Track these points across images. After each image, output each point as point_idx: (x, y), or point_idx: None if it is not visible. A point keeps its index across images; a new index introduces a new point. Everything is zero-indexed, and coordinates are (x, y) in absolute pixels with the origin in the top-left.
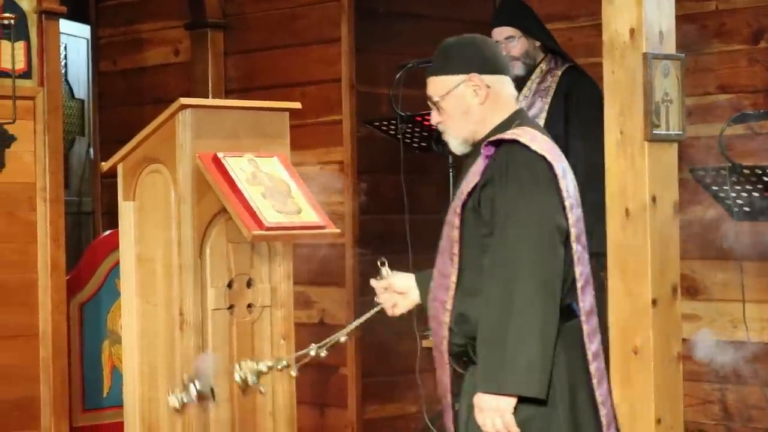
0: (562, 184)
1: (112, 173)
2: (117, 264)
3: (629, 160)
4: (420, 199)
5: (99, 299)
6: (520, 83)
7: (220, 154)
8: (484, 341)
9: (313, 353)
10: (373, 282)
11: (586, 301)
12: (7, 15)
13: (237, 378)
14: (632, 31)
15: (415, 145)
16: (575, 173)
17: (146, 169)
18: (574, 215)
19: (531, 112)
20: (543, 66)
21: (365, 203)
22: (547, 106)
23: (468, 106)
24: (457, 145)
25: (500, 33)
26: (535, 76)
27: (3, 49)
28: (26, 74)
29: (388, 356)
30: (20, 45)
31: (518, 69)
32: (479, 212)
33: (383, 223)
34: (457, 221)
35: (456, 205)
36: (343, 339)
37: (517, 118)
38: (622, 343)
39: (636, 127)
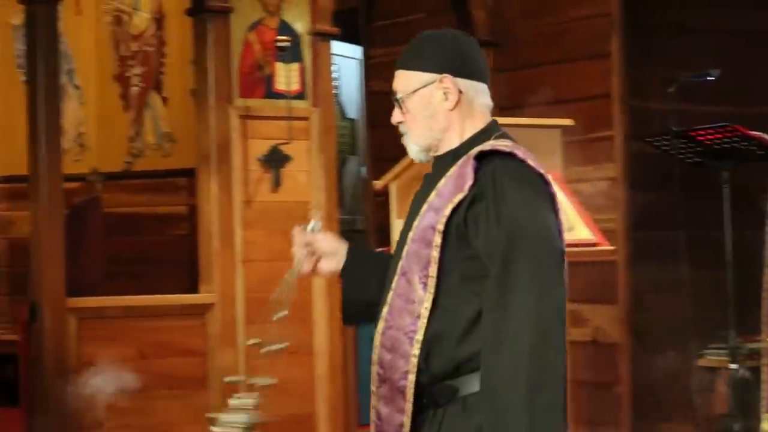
0: (558, 205)
1: (384, 191)
2: None
3: None
4: (695, 215)
5: None
6: None
7: None
8: (498, 390)
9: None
10: (296, 230)
11: None
12: (283, 38)
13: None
14: None
15: (689, 161)
16: None
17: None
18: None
19: None
20: None
21: (638, 219)
22: None
23: (434, 110)
24: (416, 151)
25: None
26: None
27: (278, 71)
28: (301, 95)
29: (662, 375)
30: (295, 67)
31: None
32: (465, 231)
33: (656, 239)
34: (438, 240)
35: (434, 221)
36: (279, 316)
37: (496, 130)
38: None
39: None
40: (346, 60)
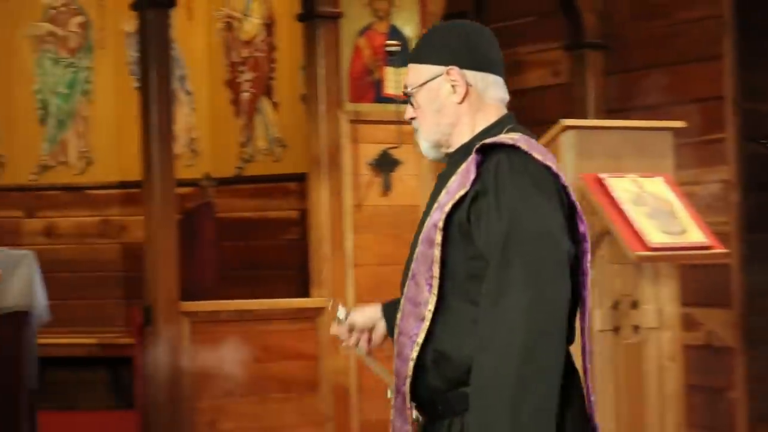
0: (572, 198)
1: None
2: None
3: None
4: None
5: None
6: None
7: (602, 175)
8: (485, 390)
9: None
10: (333, 329)
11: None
12: (392, 42)
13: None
14: None
15: None
16: None
17: None
18: (586, 235)
19: None
20: None
21: (751, 222)
22: None
23: (442, 104)
24: (426, 148)
25: None
26: None
27: (388, 75)
28: (410, 100)
29: None
30: (404, 71)
31: None
32: (468, 229)
33: None
34: (439, 238)
35: (437, 219)
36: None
37: (508, 123)
38: None
39: None
40: None
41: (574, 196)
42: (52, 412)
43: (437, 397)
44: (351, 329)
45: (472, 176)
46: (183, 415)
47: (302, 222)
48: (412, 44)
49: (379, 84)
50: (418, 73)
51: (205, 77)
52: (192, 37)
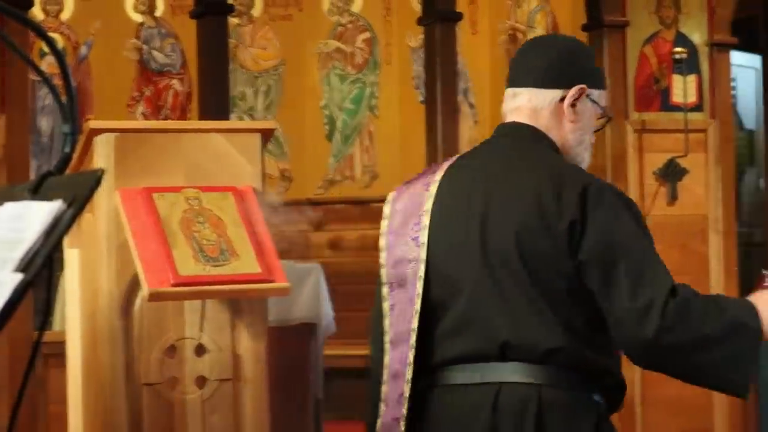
0: (387, 222)
1: None
2: None
3: None
4: None
5: None
6: None
7: (151, 189)
8: None
9: None
10: None
11: (392, 360)
12: (679, 50)
13: None
14: None
15: None
16: None
17: None
18: (391, 256)
19: None
20: None
21: None
22: None
23: None
24: None
25: None
26: None
27: (675, 83)
28: (697, 107)
29: None
30: (691, 79)
31: None
32: None
33: None
34: None
35: None
36: None
37: (487, 140)
38: None
39: None
40: (743, 69)
41: (408, 218)
42: (336, 421)
43: None
44: None
45: None
46: None
47: None
48: (700, 51)
49: (665, 92)
50: None
51: (488, 90)
52: (476, 51)
